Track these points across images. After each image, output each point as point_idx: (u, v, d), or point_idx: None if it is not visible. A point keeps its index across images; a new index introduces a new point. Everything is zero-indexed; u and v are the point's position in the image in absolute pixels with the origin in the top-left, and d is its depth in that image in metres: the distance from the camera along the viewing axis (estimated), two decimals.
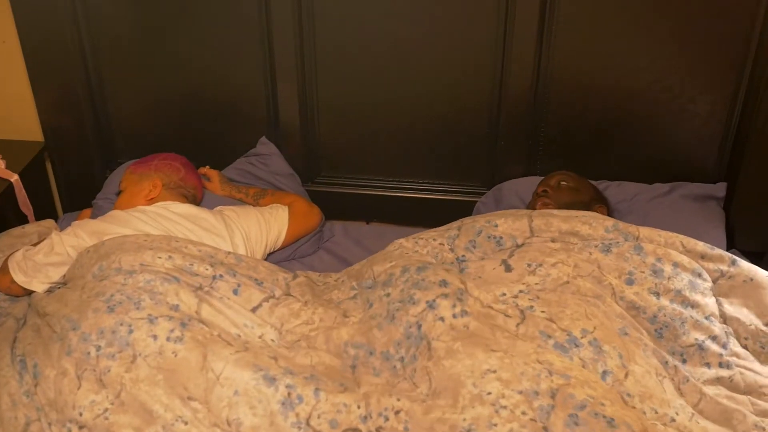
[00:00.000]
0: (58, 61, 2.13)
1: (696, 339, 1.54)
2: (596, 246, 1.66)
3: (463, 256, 1.72)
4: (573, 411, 1.29)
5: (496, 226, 1.74)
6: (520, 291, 1.57)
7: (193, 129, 2.25)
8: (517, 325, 1.49)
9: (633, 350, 1.47)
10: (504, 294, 1.57)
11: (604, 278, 1.60)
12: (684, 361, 1.52)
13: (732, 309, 1.61)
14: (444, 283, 1.56)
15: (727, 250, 1.92)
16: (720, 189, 2.06)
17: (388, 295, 1.59)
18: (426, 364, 1.43)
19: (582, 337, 1.44)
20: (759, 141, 1.92)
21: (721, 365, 1.52)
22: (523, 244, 1.70)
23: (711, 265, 1.65)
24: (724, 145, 2.05)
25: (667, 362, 1.49)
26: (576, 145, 2.11)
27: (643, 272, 1.60)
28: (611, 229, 1.69)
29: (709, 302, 1.60)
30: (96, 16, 2.09)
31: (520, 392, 1.33)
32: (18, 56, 2.15)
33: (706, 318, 1.57)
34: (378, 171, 2.25)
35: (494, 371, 1.37)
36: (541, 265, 1.61)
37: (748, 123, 1.96)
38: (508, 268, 1.63)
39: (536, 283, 1.58)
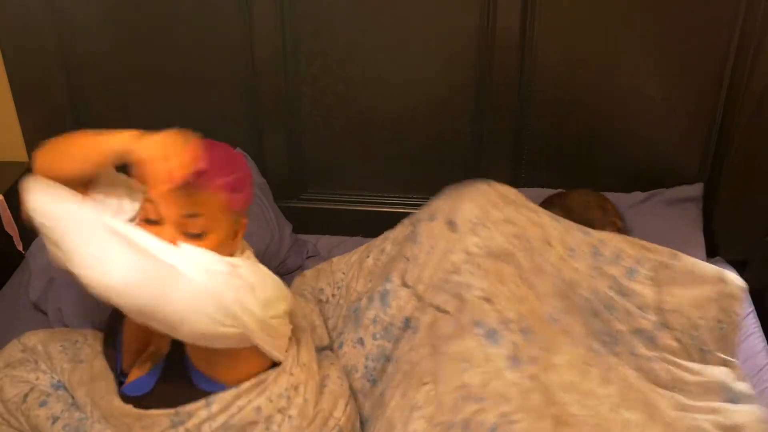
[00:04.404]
0: (42, 82, 2.14)
1: (624, 329, 1.54)
2: (545, 213, 1.68)
3: (419, 222, 1.72)
4: None
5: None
6: (463, 261, 1.56)
7: None
8: (454, 316, 1.48)
9: (560, 340, 1.47)
10: (450, 270, 1.56)
11: (550, 247, 1.60)
12: (611, 352, 1.52)
13: (670, 300, 1.60)
14: (407, 323, 1.56)
15: (711, 258, 1.92)
16: (696, 189, 2.05)
17: (361, 341, 1.60)
18: (376, 413, 1.45)
19: (512, 322, 1.45)
20: (739, 149, 1.94)
21: (648, 359, 1.52)
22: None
23: (652, 256, 1.65)
24: (706, 153, 2.05)
25: (593, 350, 1.48)
26: (560, 155, 2.12)
27: (584, 251, 1.61)
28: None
29: (646, 292, 1.60)
30: (80, 38, 2.09)
31: (438, 425, 1.33)
32: (2, 77, 2.15)
33: (639, 308, 1.57)
34: (363, 186, 2.25)
35: (420, 407, 1.37)
36: (486, 226, 1.60)
37: (728, 132, 1.97)
38: (453, 227, 1.62)
39: (478, 247, 1.57)
